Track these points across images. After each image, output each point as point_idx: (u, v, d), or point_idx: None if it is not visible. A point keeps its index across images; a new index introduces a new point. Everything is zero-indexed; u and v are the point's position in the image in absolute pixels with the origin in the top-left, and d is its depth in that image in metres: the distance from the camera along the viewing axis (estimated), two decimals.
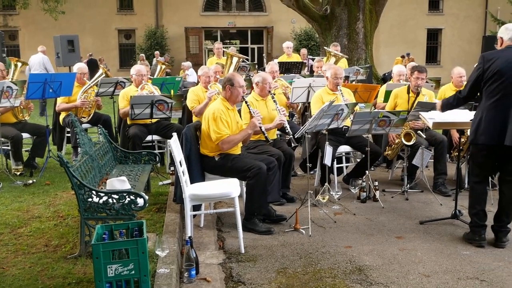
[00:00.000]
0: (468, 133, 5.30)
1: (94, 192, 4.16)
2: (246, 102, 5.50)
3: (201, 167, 5.21)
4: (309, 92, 7.28)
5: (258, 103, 6.00)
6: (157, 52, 23.58)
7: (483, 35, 25.85)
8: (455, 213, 5.29)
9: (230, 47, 15.93)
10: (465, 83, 7.08)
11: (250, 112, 5.44)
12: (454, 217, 5.29)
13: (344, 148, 6.49)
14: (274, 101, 5.92)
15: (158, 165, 7.28)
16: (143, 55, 23.04)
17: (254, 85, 6.15)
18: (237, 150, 5.30)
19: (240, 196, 5.05)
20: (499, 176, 4.85)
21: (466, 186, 6.54)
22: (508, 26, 4.64)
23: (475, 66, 4.70)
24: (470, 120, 4.77)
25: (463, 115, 5.13)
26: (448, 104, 4.97)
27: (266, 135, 5.48)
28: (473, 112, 4.87)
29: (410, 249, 4.66)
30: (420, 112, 5.56)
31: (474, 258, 4.45)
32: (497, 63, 4.46)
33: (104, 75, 8.10)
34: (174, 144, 4.65)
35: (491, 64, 4.48)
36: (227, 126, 5.10)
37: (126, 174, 5.38)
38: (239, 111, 5.70)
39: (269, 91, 6.00)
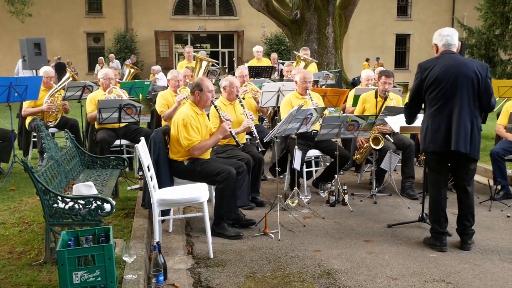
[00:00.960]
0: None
1: (59, 197, 4.08)
2: (215, 107, 5.48)
3: (170, 171, 5.17)
4: (278, 96, 7.30)
5: (226, 108, 5.99)
6: (112, 55, 23.19)
7: None
8: (422, 216, 5.37)
9: (200, 51, 15.87)
10: None
11: (219, 116, 5.41)
12: (421, 220, 5.36)
13: (313, 152, 6.51)
14: (242, 105, 5.92)
15: (127, 169, 7.21)
16: (102, 58, 22.62)
17: (221, 89, 6.13)
18: (206, 155, 5.27)
19: (209, 201, 5.03)
20: (454, 181, 4.92)
21: None
22: (441, 32, 4.66)
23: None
24: None
25: None
26: (405, 117, 5.00)
27: (236, 139, 5.47)
28: None
29: (378, 252, 4.70)
30: (387, 117, 5.63)
31: (441, 260, 4.51)
32: (434, 71, 4.51)
33: (71, 78, 7.98)
34: (142, 148, 4.60)
35: (428, 72, 4.54)
36: (197, 132, 5.07)
37: (93, 179, 5.31)
38: (208, 115, 5.68)
39: (237, 95, 5.99)
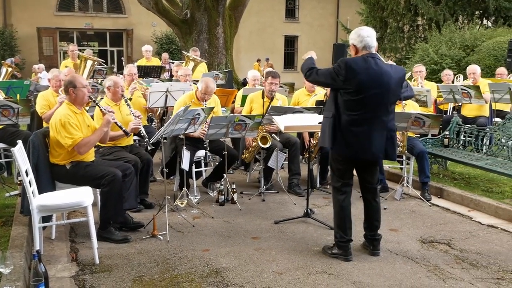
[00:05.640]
0: (318, 135, 5.54)
1: None
2: (94, 101, 5.30)
3: (51, 176, 4.94)
4: (167, 96, 7.21)
5: (112, 109, 5.82)
6: None
7: (334, 42, 27.58)
8: (307, 211, 5.58)
9: (86, 49, 15.30)
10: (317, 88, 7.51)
11: (101, 111, 5.23)
12: (306, 216, 5.57)
13: (202, 153, 6.52)
14: (128, 105, 5.80)
15: (5, 175, 6.79)
16: None
17: (105, 89, 5.96)
18: (90, 157, 5.10)
19: (95, 205, 4.88)
20: (361, 185, 4.80)
21: (318, 185, 6.94)
22: (360, 33, 4.41)
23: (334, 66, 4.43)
24: (319, 123, 4.83)
25: (312, 119, 5.38)
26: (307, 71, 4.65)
27: (123, 128, 5.34)
28: (321, 116, 4.87)
29: (265, 248, 4.82)
30: (273, 116, 5.78)
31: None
32: (361, 77, 4.28)
33: None
34: (19, 152, 4.35)
35: (355, 75, 4.28)
36: (78, 130, 4.88)
37: None
38: (93, 117, 5.50)
39: (122, 95, 5.86)
